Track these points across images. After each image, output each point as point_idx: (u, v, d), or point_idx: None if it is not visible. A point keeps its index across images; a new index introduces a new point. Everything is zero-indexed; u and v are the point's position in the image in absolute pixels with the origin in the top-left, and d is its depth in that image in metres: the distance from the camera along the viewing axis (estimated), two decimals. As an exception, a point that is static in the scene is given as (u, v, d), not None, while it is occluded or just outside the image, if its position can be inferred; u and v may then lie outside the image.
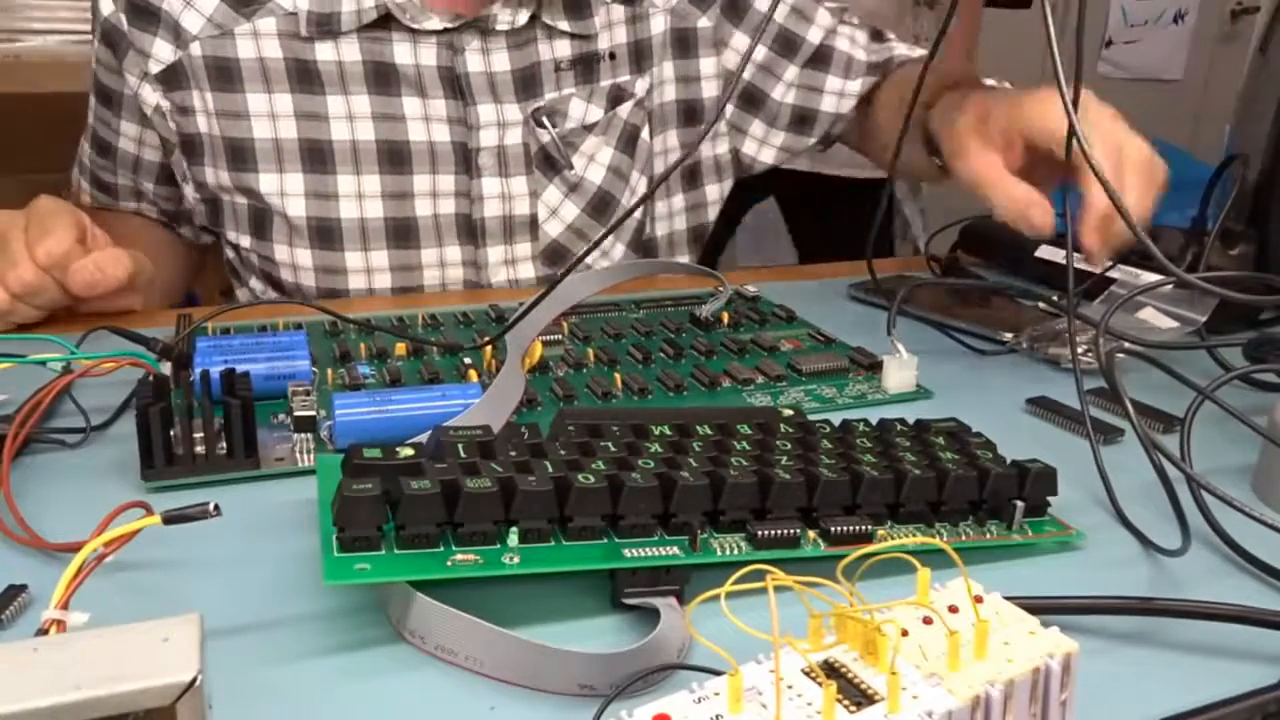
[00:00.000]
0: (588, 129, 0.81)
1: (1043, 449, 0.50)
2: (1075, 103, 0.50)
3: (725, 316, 0.71)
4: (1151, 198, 0.62)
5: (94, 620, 0.35)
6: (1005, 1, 1.89)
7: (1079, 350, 0.59)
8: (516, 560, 0.38)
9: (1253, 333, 0.74)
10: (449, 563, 0.37)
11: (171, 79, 0.76)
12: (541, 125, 0.79)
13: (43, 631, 0.34)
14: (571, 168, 0.81)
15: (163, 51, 0.75)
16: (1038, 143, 0.63)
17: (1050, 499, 0.46)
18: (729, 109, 0.90)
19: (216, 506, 0.38)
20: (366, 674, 0.36)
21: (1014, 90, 0.72)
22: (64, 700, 0.24)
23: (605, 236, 0.62)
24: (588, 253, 0.61)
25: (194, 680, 0.25)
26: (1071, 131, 0.51)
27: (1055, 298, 0.73)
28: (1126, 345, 0.60)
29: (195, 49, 0.75)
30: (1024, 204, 0.62)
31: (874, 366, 0.63)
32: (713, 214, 0.94)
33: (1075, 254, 0.59)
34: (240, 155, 0.76)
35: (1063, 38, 0.48)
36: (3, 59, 2.06)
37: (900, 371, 0.61)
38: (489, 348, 0.62)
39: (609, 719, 0.32)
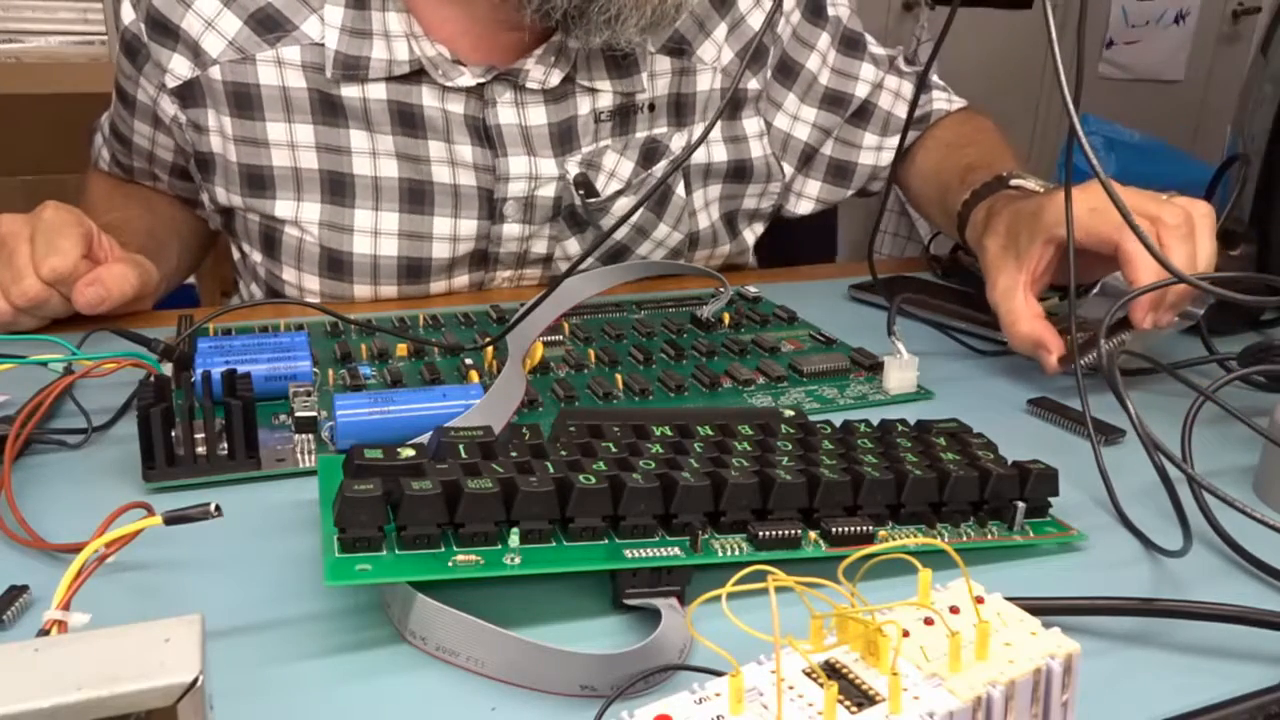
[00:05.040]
0: (621, 192, 0.80)
1: (1044, 449, 0.50)
2: (1076, 102, 0.50)
3: (726, 317, 0.71)
4: (1204, 251, 0.60)
5: (95, 621, 0.35)
6: (1005, 2, 1.89)
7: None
8: (518, 561, 0.38)
9: (1253, 334, 0.74)
10: (450, 563, 0.37)
11: (188, 95, 0.74)
12: (579, 189, 0.78)
13: (44, 632, 0.34)
14: (600, 229, 0.80)
15: (180, 67, 0.74)
16: (1065, 241, 0.62)
17: (1051, 500, 0.46)
18: (787, 169, 0.90)
19: (218, 507, 0.38)
20: (367, 675, 0.36)
21: (1037, 189, 0.72)
22: (65, 701, 0.24)
23: (584, 258, 0.62)
24: (578, 263, 0.60)
25: (195, 681, 0.25)
26: (1072, 133, 0.51)
27: (1057, 298, 0.73)
28: (1127, 345, 0.60)
29: (215, 72, 0.73)
30: (1031, 345, 0.62)
31: (875, 367, 0.64)
32: (749, 258, 0.94)
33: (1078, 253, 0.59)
34: (257, 181, 0.75)
35: (1063, 38, 0.48)
36: (3, 59, 2.06)
37: (901, 372, 0.61)
38: (490, 348, 0.62)
39: (610, 720, 0.32)
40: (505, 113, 0.76)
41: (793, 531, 0.41)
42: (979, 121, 0.93)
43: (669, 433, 0.47)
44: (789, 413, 0.51)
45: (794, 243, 1.09)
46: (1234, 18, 3.23)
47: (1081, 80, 0.54)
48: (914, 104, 0.69)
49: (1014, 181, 0.75)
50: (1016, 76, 2.85)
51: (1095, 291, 0.65)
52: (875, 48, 0.92)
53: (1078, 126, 0.49)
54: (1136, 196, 0.61)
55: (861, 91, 0.90)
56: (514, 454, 0.42)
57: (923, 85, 0.72)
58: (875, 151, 0.92)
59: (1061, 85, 0.49)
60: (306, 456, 0.50)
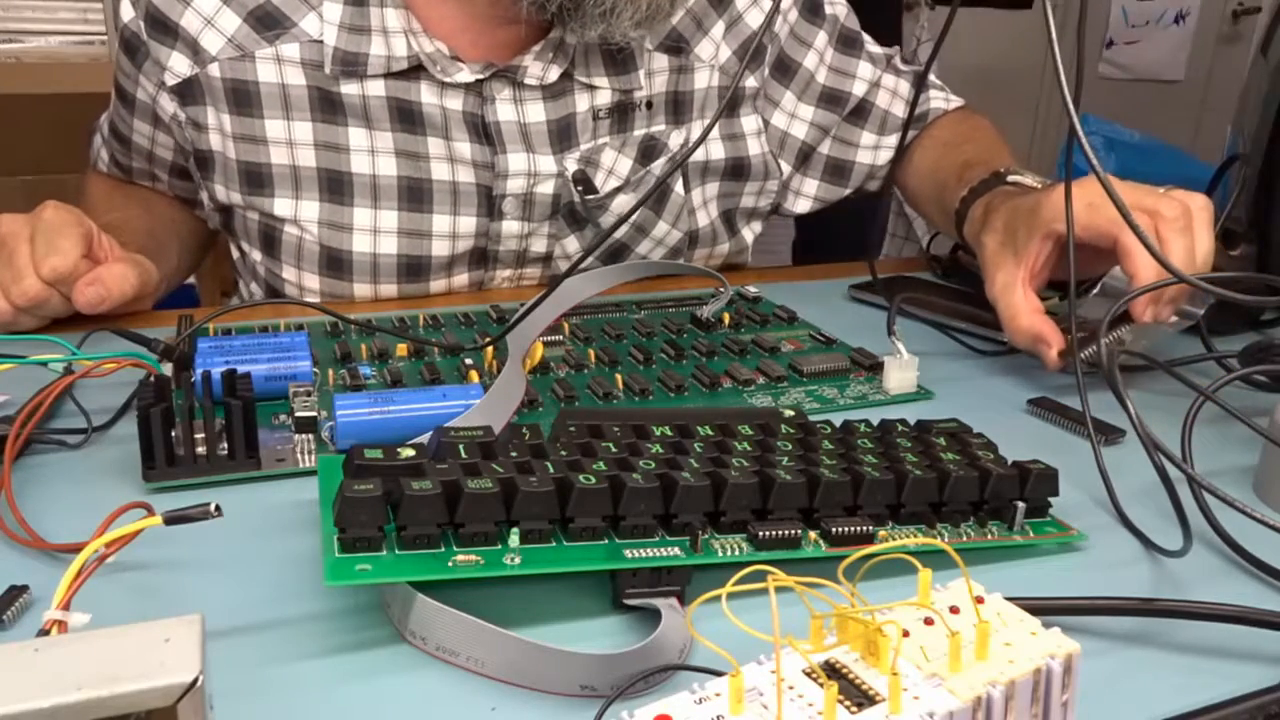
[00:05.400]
0: (619, 189, 0.80)
1: (1044, 449, 0.50)
2: (1076, 102, 0.50)
3: (726, 317, 0.71)
4: (1202, 244, 0.60)
5: (95, 621, 0.35)
6: (1005, 2, 1.89)
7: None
8: (518, 561, 0.38)
9: (1253, 334, 0.74)
10: (450, 563, 0.37)
11: (187, 93, 0.74)
12: (578, 186, 0.77)
13: (44, 632, 0.34)
14: (599, 226, 0.80)
15: (179, 65, 0.74)
16: (1064, 237, 0.61)
17: (1051, 500, 0.46)
18: (785, 168, 0.90)
19: (217, 507, 0.38)
20: (367, 674, 0.36)
21: (1035, 185, 0.72)
22: (65, 700, 0.24)
23: (585, 258, 0.61)
24: (578, 263, 0.60)
25: (195, 681, 0.25)
26: (1072, 133, 0.51)
27: (1057, 298, 0.73)
28: (1128, 344, 0.60)
29: (214, 70, 0.73)
30: (1031, 339, 0.62)
31: (875, 367, 0.64)
32: (749, 256, 0.94)
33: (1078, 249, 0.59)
34: (256, 179, 0.75)
35: (1063, 38, 0.48)
36: (3, 59, 2.06)
37: (901, 372, 0.61)
38: (490, 348, 0.62)
39: (610, 720, 0.32)
40: (504, 109, 0.76)
41: (793, 531, 0.41)
42: (976, 120, 0.94)
43: (669, 433, 0.47)
44: (789, 413, 0.51)
45: (834, 233, 1.09)
46: (1234, 18, 3.23)
47: (1081, 80, 0.54)
48: (913, 104, 0.69)
49: (1011, 178, 0.75)
50: (1016, 76, 2.85)
51: (1095, 292, 0.65)
52: (873, 46, 0.92)
53: (1078, 126, 0.49)
54: (1133, 191, 0.61)
55: (859, 90, 0.90)
56: (514, 454, 0.42)
57: (922, 85, 0.72)
58: (873, 150, 0.92)
59: (1061, 85, 0.49)
60: (306, 456, 0.50)
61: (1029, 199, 0.66)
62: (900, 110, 0.92)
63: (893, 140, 0.92)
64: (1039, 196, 0.65)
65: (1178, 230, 0.59)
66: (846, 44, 0.90)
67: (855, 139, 0.92)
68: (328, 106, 0.74)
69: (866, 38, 0.92)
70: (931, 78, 0.94)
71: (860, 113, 0.91)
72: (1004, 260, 0.65)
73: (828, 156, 0.92)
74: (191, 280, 1.13)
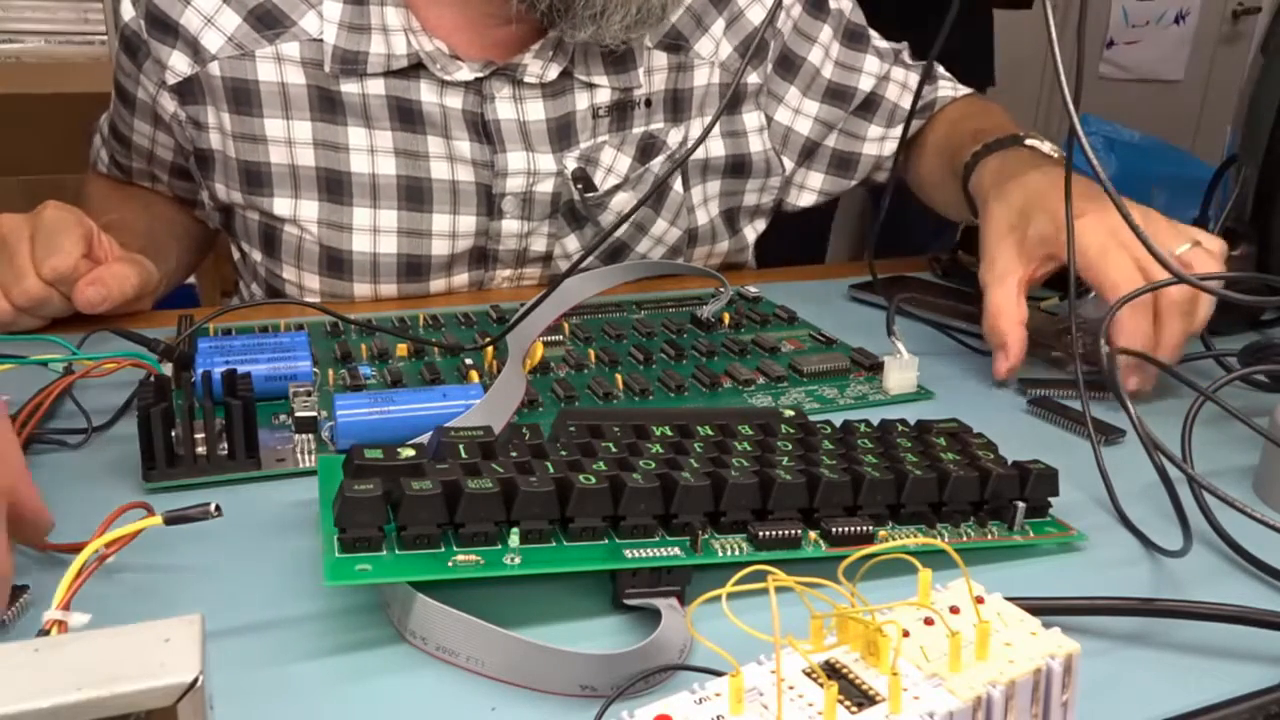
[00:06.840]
0: (619, 187, 0.80)
1: (1044, 450, 0.50)
2: (1076, 102, 0.50)
3: (726, 317, 0.71)
4: (1185, 337, 0.60)
5: (95, 621, 0.35)
6: (1006, 1, 1.89)
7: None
8: (518, 561, 0.38)
9: (1253, 334, 0.74)
10: (450, 563, 0.37)
11: (187, 91, 0.74)
12: (577, 184, 0.77)
13: (44, 632, 0.34)
14: (598, 225, 0.80)
15: (179, 64, 0.74)
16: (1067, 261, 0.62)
17: (1051, 500, 0.46)
18: (788, 164, 0.90)
19: (218, 507, 0.38)
20: (367, 674, 0.36)
21: (1051, 153, 0.72)
22: (65, 701, 0.24)
23: (586, 256, 0.61)
24: (578, 263, 0.60)
25: (195, 681, 0.25)
26: (1072, 133, 0.51)
27: (1057, 298, 0.73)
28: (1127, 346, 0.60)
29: (214, 68, 0.73)
30: (1000, 341, 0.63)
31: (875, 367, 0.64)
32: (750, 255, 0.94)
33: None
34: (255, 178, 0.75)
35: (1063, 38, 0.48)
36: (3, 59, 2.06)
37: (901, 372, 0.61)
38: (490, 348, 0.62)
39: (610, 720, 0.32)
40: (504, 108, 0.76)
41: (793, 531, 0.41)
42: (986, 103, 0.93)
43: (669, 433, 0.47)
44: (789, 413, 0.51)
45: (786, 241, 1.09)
46: (1234, 18, 3.23)
47: (1081, 80, 0.54)
48: (918, 94, 0.69)
49: (1029, 141, 0.74)
50: (1016, 76, 2.85)
51: (1094, 294, 0.65)
52: (879, 41, 0.92)
53: (1078, 126, 0.49)
54: (1161, 233, 0.60)
55: (865, 84, 0.90)
56: (514, 454, 0.42)
57: (928, 76, 0.71)
58: (879, 142, 0.91)
59: (1061, 85, 0.49)
60: (306, 456, 0.50)
61: (1051, 200, 0.63)
62: (908, 103, 0.91)
63: (898, 131, 0.91)
64: (1057, 210, 0.61)
65: (1177, 315, 0.59)
66: (852, 39, 0.90)
67: (862, 131, 0.91)
68: (327, 105, 0.74)
69: (873, 33, 0.92)
70: (940, 69, 0.94)
71: (869, 106, 0.90)
72: (1007, 247, 0.65)
73: (833, 149, 0.91)
74: (191, 280, 1.13)
